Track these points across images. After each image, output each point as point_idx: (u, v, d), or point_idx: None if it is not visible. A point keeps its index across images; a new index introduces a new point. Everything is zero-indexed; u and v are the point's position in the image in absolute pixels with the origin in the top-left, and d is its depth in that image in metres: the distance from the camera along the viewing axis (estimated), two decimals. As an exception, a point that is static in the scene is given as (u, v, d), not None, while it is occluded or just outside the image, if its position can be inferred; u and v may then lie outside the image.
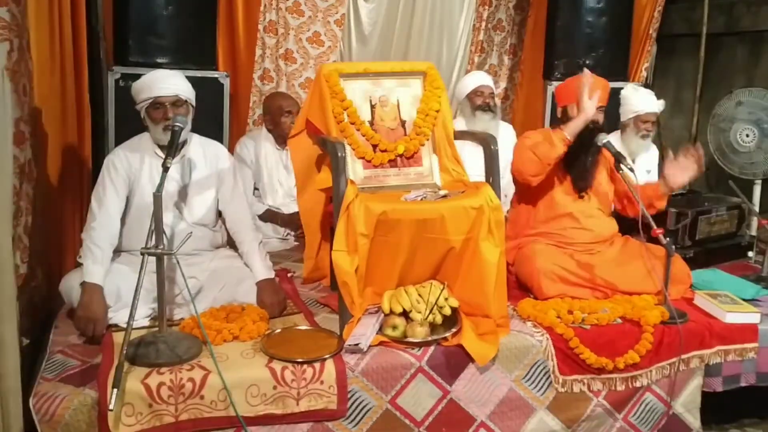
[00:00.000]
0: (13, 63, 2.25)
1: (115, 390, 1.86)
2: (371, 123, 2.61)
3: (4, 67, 2.08)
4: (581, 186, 2.87)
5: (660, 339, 2.49)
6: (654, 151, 3.96)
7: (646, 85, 4.39)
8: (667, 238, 2.56)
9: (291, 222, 3.52)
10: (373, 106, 2.64)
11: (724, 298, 2.69)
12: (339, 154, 2.36)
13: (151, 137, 2.59)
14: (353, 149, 2.55)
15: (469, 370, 2.31)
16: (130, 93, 2.60)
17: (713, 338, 2.56)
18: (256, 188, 3.64)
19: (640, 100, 3.62)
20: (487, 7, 4.67)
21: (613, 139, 2.87)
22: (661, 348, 2.48)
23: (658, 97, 3.71)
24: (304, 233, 2.88)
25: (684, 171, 2.82)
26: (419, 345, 2.29)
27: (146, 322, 2.36)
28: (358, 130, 2.57)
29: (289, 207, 3.59)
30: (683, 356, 2.50)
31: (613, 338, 2.48)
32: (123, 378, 1.94)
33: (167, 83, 2.51)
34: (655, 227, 2.61)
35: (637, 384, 2.48)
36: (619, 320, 2.55)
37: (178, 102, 2.52)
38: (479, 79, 3.91)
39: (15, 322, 1.93)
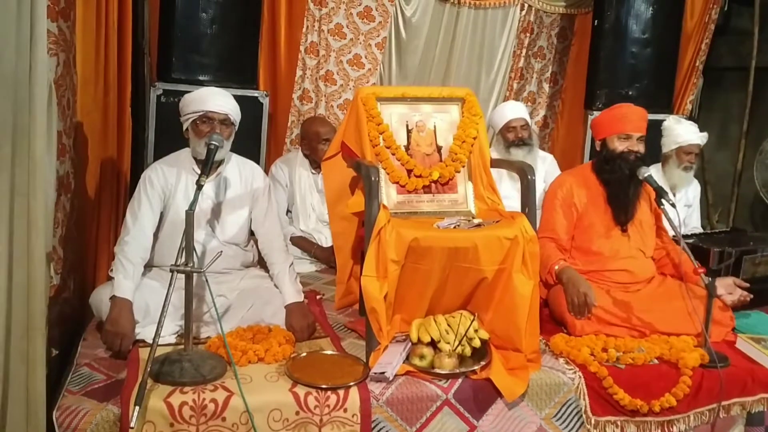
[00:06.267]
0: (59, 77, 2.30)
1: (137, 407, 1.85)
2: (407, 148, 2.59)
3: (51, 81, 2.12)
4: (622, 220, 2.81)
5: (699, 383, 2.39)
6: (696, 186, 3.86)
7: (690, 118, 4.31)
8: (710, 279, 2.47)
9: (324, 257, 3.46)
10: (409, 131, 2.61)
11: (769, 343, 2.58)
12: (373, 178, 2.33)
13: (190, 152, 2.61)
14: (387, 174, 2.53)
15: (497, 406, 2.24)
16: (171, 109, 2.63)
17: (756, 385, 2.44)
18: (288, 211, 3.64)
19: (682, 130, 3.56)
20: (528, 34, 4.64)
21: (654, 171, 2.80)
22: (700, 393, 2.38)
23: (703, 130, 3.63)
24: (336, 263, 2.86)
25: (727, 290, 2.77)
26: (446, 377, 2.23)
27: (173, 339, 2.35)
28: (393, 154, 2.55)
29: (321, 232, 3.57)
30: (724, 403, 2.39)
31: (649, 380, 2.38)
32: (146, 395, 1.93)
33: (220, 101, 2.55)
34: (696, 266, 2.52)
35: (674, 429, 2.37)
36: (656, 361, 2.45)
37: (226, 121, 2.54)
38: (510, 112, 3.72)
39: (44, 336, 1.94)
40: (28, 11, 1.74)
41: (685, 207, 3.69)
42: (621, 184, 2.77)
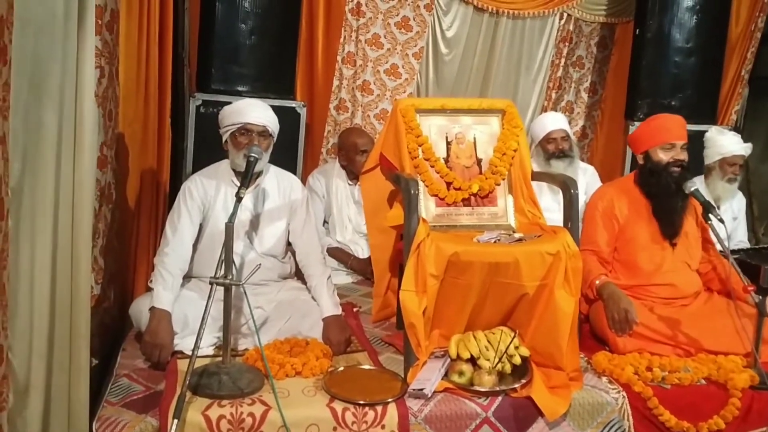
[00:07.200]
0: (103, 89, 2.32)
1: (176, 420, 1.85)
2: (446, 160, 2.56)
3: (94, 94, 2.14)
4: (670, 233, 2.74)
5: (749, 405, 2.30)
6: (741, 198, 3.76)
7: (736, 129, 4.19)
8: (760, 297, 2.38)
9: (361, 269, 3.45)
10: (448, 143, 2.58)
11: (823, 365, 2.47)
12: (412, 191, 2.31)
13: (229, 164, 2.62)
14: (426, 186, 2.50)
15: (537, 425, 2.19)
16: (210, 119, 2.64)
17: (809, 408, 2.35)
18: (325, 222, 3.63)
19: (726, 141, 3.48)
20: (567, 44, 4.58)
21: (697, 183, 2.73)
22: (749, 415, 2.29)
23: (748, 141, 3.53)
24: (374, 275, 2.83)
25: None
26: (486, 394, 2.19)
27: (211, 351, 2.35)
28: (432, 166, 2.52)
29: (358, 243, 3.56)
30: (774, 426, 2.31)
31: (696, 400, 2.30)
32: (184, 408, 1.92)
33: (259, 113, 2.55)
34: (746, 284, 2.43)
35: (722, 453, 2.29)
36: (703, 381, 2.37)
37: (264, 133, 2.54)
38: (550, 123, 3.64)
39: (88, 345, 1.95)
40: (74, 26, 1.76)
41: (731, 219, 3.58)
42: (669, 197, 2.70)
